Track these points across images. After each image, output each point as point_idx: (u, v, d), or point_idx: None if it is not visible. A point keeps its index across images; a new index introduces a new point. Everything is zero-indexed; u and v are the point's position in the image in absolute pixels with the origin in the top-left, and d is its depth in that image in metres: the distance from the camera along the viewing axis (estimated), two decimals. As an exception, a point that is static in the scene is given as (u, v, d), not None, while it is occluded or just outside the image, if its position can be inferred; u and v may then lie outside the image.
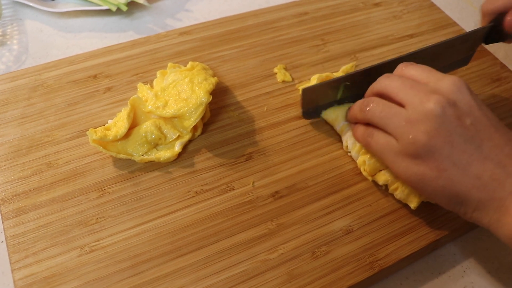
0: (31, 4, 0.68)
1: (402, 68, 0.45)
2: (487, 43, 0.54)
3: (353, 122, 0.49)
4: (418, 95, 0.41)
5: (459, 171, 0.39)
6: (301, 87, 0.58)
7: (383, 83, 0.45)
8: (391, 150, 0.42)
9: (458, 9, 0.79)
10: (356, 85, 0.51)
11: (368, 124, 0.46)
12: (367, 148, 0.46)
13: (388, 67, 0.49)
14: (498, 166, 0.39)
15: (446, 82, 0.41)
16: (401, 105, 0.42)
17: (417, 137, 0.40)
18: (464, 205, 0.40)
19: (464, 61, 0.57)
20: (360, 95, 0.51)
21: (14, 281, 0.41)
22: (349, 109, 0.50)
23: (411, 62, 0.46)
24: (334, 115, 0.52)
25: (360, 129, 0.47)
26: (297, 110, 0.56)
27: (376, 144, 0.44)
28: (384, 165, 0.47)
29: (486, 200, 0.39)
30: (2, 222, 0.44)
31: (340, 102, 0.53)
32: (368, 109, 0.44)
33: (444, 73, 0.43)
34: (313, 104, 0.52)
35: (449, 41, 0.51)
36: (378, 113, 0.43)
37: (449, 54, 0.53)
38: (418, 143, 0.40)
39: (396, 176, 0.46)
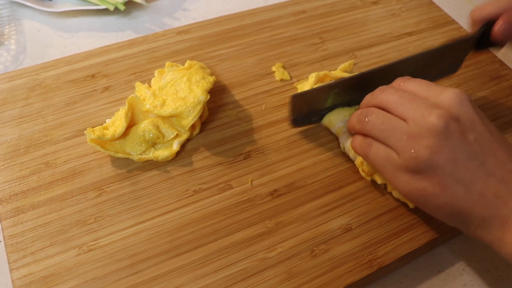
0: (28, 4, 0.68)
1: (399, 83, 0.44)
2: (478, 50, 0.54)
3: (351, 132, 0.48)
4: (419, 109, 0.40)
5: (462, 188, 0.38)
6: (298, 84, 0.58)
7: (379, 97, 0.43)
8: (391, 163, 0.41)
9: (457, 7, 0.79)
10: (346, 92, 0.50)
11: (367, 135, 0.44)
12: (366, 159, 0.45)
13: (379, 74, 0.49)
14: (502, 183, 0.38)
15: (447, 96, 0.40)
16: (399, 117, 0.41)
17: (420, 152, 0.38)
18: (467, 222, 0.39)
19: (453, 69, 0.56)
20: (351, 101, 0.51)
21: (12, 281, 0.41)
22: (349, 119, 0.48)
23: (408, 77, 0.45)
24: (328, 119, 0.52)
25: (358, 139, 0.45)
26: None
27: (376, 156, 0.42)
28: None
29: (490, 217, 0.38)
30: (0, 222, 0.44)
31: (331, 109, 0.52)
32: (367, 120, 0.43)
33: (440, 85, 0.42)
34: (302, 111, 0.51)
35: (438, 48, 0.50)
36: (378, 125, 0.42)
37: (438, 62, 0.53)
38: (420, 158, 0.38)
39: (397, 191, 0.45)
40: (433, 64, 0.53)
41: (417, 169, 0.39)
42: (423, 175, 0.39)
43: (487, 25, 0.50)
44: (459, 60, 0.55)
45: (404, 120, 0.40)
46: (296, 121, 0.52)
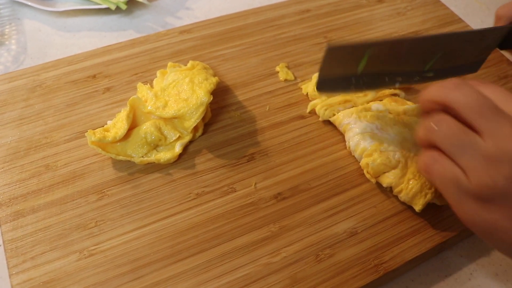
0: (29, 3, 0.67)
1: (474, 84, 0.37)
2: (501, 48, 0.52)
3: (420, 145, 0.40)
4: (504, 127, 0.33)
5: None
6: (303, 85, 0.57)
7: (453, 93, 0.35)
8: (458, 187, 0.35)
9: (463, 5, 0.78)
10: (379, 59, 0.45)
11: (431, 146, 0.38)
12: (428, 178, 0.38)
13: (414, 46, 0.46)
14: None
15: None
16: (473, 127, 0.34)
17: (498, 181, 0.32)
18: None
19: (474, 67, 0.55)
20: (381, 76, 0.47)
21: (12, 286, 0.40)
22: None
23: (480, 80, 0.39)
24: (336, 116, 0.52)
25: (424, 153, 0.38)
26: (300, 110, 0.55)
27: (439, 175, 0.36)
28: (388, 168, 0.46)
29: None
30: (0, 226, 0.44)
31: (358, 81, 0.47)
32: (437, 128, 0.36)
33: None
34: (333, 71, 0.45)
35: (471, 32, 0.48)
36: (449, 138, 0.35)
37: (464, 53, 0.51)
38: (497, 188, 0.33)
39: (460, 219, 0.38)
40: (460, 53, 0.50)
41: (490, 198, 0.34)
42: (494, 206, 0.34)
43: None
44: (482, 57, 0.53)
45: (479, 133, 0.34)
46: (323, 83, 0.46)
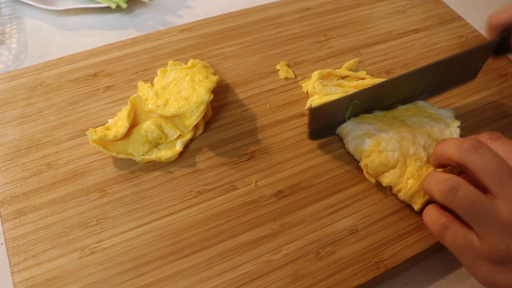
0: (30, 2, 0.67)
1: (486, 139, 0.39)
2: (496, 56, 0.52)
3: (427, 194, 0.43)
4: None
5: None
6: (303, 83, 0.57)
7: (472, 157, 0.36)
8: (471, 251, 0.36)
9: (463, 3, 0.78)
10: (365, 102, 0.49)
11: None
12: (439, 240, 0.40)
13: (399, 84, 0.48)
14: None
15: None
16: (489, 190, 0.36)
17: (510, 244, 0.34)
18: None
19: (472, 75, 0.55)
20: (370, 110, 0.50)
21: (14, 284, 0.40)
22: (424, 178, 0.42)
23: (498, 134, 0.39)
24: None
25: (432, 214, 0.40)
26: (300, 107, 0.55)
27: (452, 242, 0.38)
28: (387, 168, 0.46)
29: None
30: (2, 224, 0.44)
31: (348, 119, 0.51)
32: (454, 196, 0.37)
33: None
34: (321, 124, 0.49)
35: (457, 56, 0.49)
36: (467, 207, 0.36)
37: (456, 69, 0.52)
38: (509, 251, 0.34)
39: (474, 278, 0.39)
40: (452, 71, 0.51)
41: (503, 261, 0.35)
42: (508, 268, 0.35)
43: (506, 31, 0.48)
44: (477, 67, 0.54)
45: (495, 197, 0.35)
46: (315, 134, 0.50)
